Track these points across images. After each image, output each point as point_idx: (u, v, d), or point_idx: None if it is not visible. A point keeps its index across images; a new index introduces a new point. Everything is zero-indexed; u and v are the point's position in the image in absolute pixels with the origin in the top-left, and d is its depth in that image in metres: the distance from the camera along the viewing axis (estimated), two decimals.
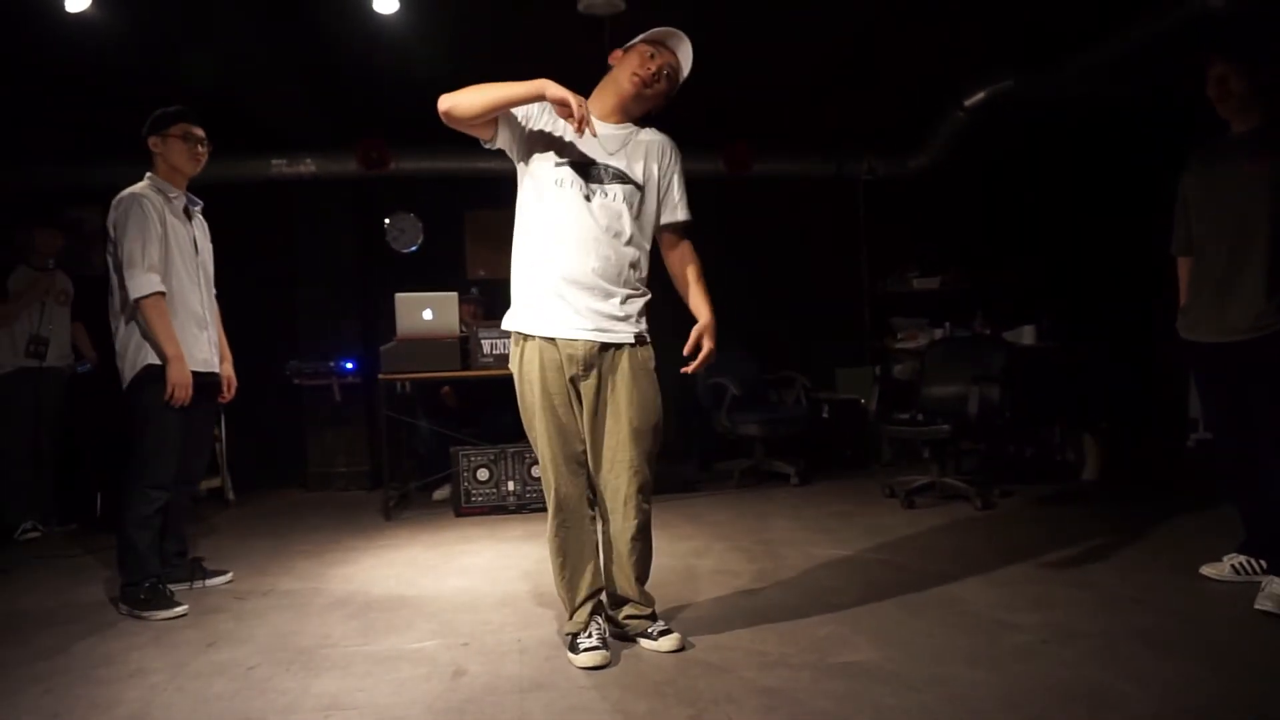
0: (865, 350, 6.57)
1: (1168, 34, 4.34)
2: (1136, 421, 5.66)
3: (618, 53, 2.60)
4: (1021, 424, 5.43)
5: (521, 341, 2.56)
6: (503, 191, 6.99)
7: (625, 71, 2.54)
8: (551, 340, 2.51)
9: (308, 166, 5.83)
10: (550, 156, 2.53)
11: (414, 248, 6.38)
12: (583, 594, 2.57)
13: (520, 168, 2.59)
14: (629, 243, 2.54)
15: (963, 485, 4.65)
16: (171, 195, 3.27)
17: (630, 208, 2.54)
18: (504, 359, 4.84)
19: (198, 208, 3.42)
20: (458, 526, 4.62)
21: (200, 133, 3.34)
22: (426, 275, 5.72)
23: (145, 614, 3.07)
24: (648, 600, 2.65)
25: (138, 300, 3.08)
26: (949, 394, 4.87)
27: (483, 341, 4.82)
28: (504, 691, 2.31)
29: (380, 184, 6.09)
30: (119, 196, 3.18)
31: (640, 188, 2.56)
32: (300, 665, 2.57)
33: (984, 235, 6.55)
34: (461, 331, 4.87)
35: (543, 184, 2.52)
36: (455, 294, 4.89)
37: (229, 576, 3.58)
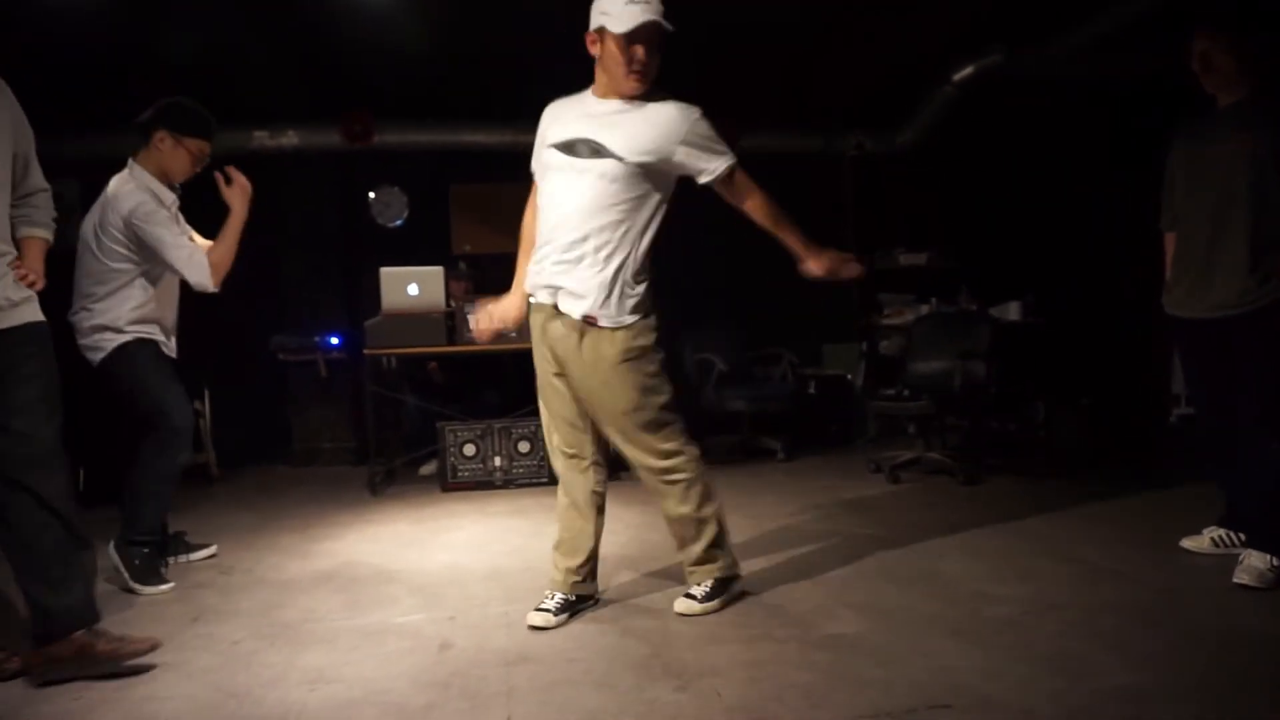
0: (852, 326, 6.57)
1: (1158, 10, 4.33)
2: (1120, 397, 5.71)
3: (592, 36, 2.52)
4: (1006, 399, 5.46)
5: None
6: (488, 165, 6.86)
7: (615, 65, 2.50)
8: None
9: (290, 139, 5.75)
10: None
11: (399, 221, 6.32)
12: None
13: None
14: None
15: (947, 460, 4.68)
16: (166, 200, 3.14)
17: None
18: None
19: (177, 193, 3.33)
20: (444, 502, 4.62)
21: (208, 153, 3.21)
22: (412, 249, 5.67)
23: (134, 585, 3.07)
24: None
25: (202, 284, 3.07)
26: (934, 369, 4.89)
27: (469, 316, 4.78)
28: (490, 664, 2.32)
29: (364, 157, 6.01)
30: (133, 201, 3.00)
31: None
32: (286, 639, 2.57)
33: (971, 211, 6.55)
34: (448, 306, 4.84)
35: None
36: (441, 269, 4.84)
37: (212, 550, 3.58)
